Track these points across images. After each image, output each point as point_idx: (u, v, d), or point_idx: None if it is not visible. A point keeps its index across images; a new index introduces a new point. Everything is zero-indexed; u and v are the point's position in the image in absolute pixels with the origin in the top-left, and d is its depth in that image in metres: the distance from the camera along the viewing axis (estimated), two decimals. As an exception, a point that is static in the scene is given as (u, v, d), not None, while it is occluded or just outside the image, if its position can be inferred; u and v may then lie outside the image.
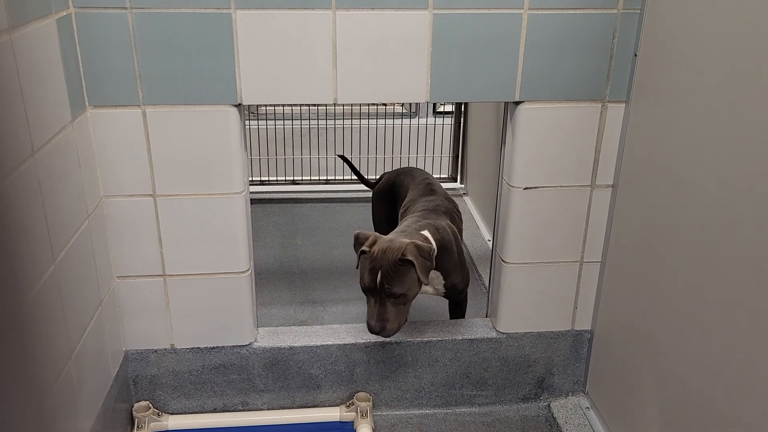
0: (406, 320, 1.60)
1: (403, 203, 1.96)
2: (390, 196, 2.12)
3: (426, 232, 1.65)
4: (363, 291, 1.56)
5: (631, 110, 1.47)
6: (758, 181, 1.05)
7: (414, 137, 3.23)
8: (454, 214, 1.87)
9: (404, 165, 3.05)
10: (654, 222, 1.38)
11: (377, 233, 1.59)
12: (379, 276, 1.50)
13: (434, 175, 3.07)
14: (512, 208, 1.58)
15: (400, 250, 1.51)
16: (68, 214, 1.29)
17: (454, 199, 1.97)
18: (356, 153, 3.18)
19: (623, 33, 1.43)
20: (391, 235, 1.60)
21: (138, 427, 1.62)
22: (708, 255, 1.19)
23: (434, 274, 1.65)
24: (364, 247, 1.54)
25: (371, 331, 1.54)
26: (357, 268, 1.57)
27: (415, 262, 1.49)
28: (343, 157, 2.63)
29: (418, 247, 1.52)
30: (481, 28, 1.41)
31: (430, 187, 1.94)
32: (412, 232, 1.64)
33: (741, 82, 1.09)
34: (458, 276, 1.73)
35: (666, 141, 1.33)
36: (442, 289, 1.72)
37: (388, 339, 1.67)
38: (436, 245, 1.61)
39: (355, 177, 2.60)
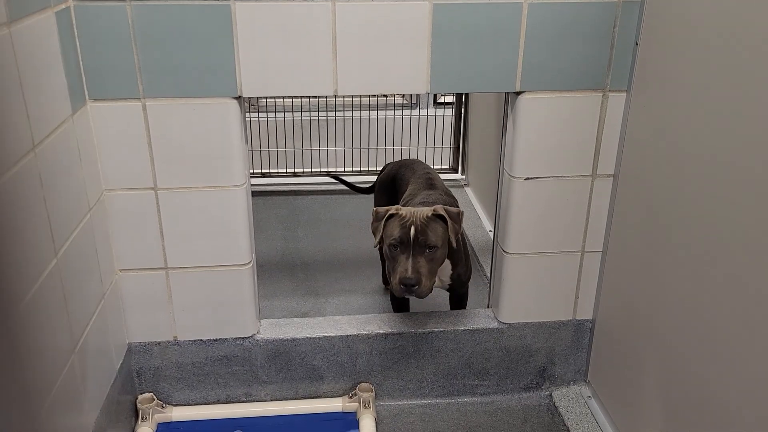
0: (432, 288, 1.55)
1: (403, 197, 1.96)
2: (391, 188, 2.12)
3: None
4: (391, 247, 1.54)
5: (632, 99, 1.47)
6: (759, 170, 1.04)
7: (415, 128, 3.22)
8: None
9: (405, 157, 3.05)
10: (655, 211, 1.38)
11: (398, 206, 1.62)
12: (412, 230, 1.52)
13: (435, 166, 3.08)
14: (513, 198, 1.58)
15: (431, 209, 1.56)
16: (70, 207, 1.29)
17: (456, 189, 1.97)
18: (357, 144, 3.18)
19: (624, 22, 1.43)
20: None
21: (142, 418, 1.63)
22: (709, 243, 1.19)
23: (443, 264, 1.65)
24: (392, 210, 1.57)
25: (406, 283, 1.48)
26: (375, 245, 1.59)
27: (447, 217, 1.55)
28: (336, 177, 2.68)
29: (447, 210, 1.57)
30: (481, 18, 1.40)
31: (430, 182, 1.95)
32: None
33: (742, 71, 1.08)
34: (463, 266, 1.74)
35: (667, 130, 1.32)
36: (447, 280, 1.72)
37: (390, 331, 1.67)
38: None
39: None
